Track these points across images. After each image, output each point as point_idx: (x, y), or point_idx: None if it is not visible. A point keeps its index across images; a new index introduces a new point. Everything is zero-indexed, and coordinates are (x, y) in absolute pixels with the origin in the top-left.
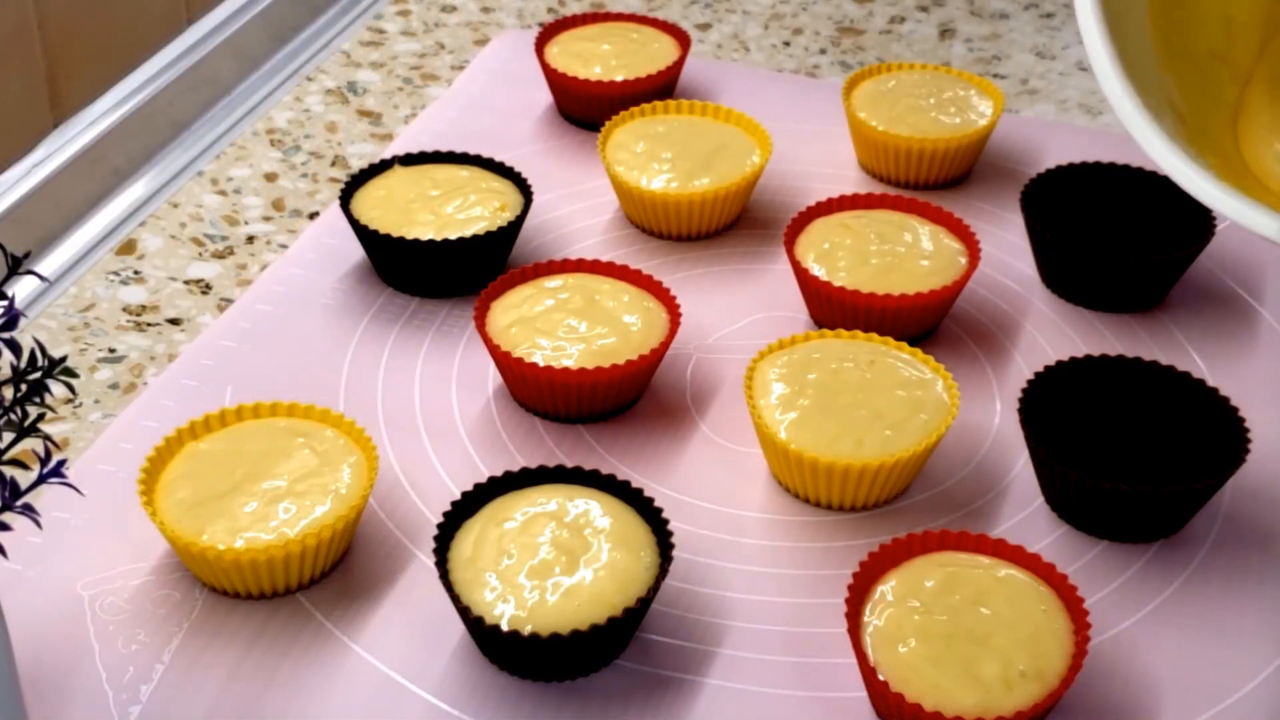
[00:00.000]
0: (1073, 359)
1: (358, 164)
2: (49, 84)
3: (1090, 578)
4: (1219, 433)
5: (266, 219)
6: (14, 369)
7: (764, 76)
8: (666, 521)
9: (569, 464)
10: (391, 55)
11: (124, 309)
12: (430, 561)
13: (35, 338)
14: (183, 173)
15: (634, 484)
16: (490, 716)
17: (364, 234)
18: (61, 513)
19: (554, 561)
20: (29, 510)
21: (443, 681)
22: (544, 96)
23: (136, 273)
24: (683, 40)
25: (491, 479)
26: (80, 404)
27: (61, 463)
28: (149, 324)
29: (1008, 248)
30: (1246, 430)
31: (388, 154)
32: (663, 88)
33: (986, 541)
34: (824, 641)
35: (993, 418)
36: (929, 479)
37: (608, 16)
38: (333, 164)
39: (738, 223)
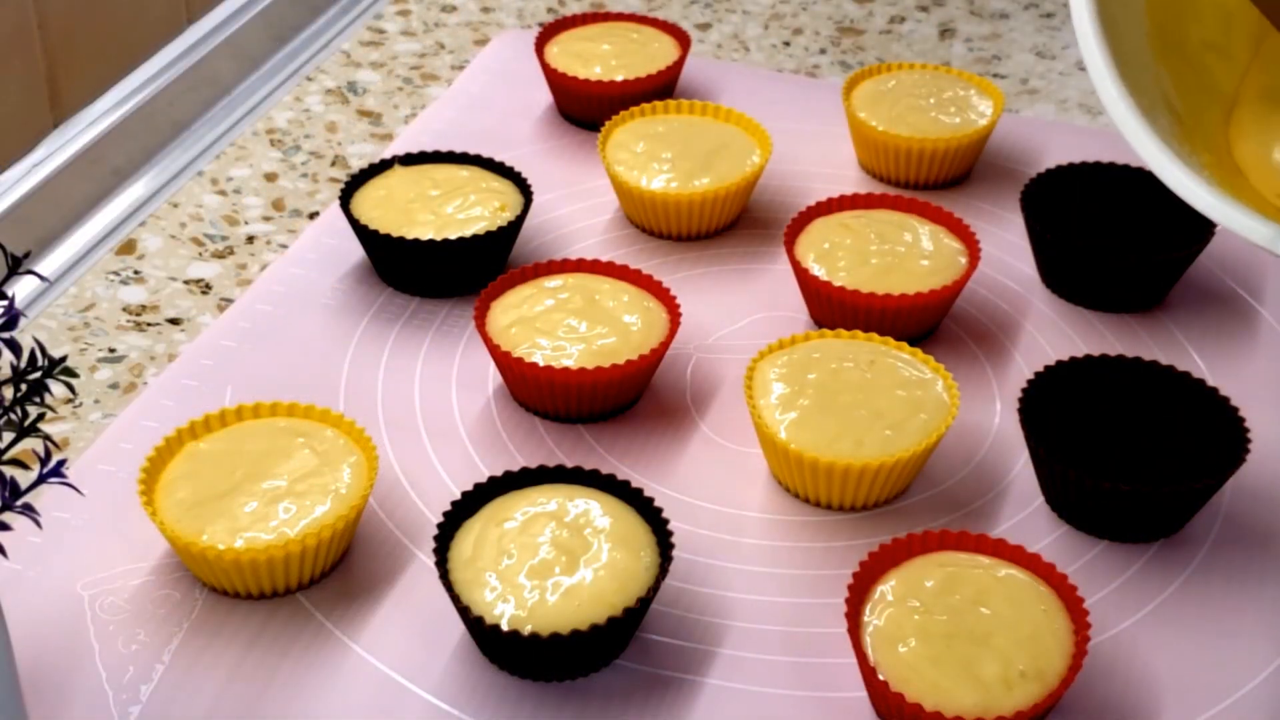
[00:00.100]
0: (1073, 359)
1: (358, 164)
2: (49, 84)
3: (1090, 578)
4: (1219, 433)
5: (266, 219)
6: (14, 369)
7: (764, 76)
8: (666, 521)
9: (569, 464)
10: (391, 55)
11: (124, 309)
12: (430, 561)
13: (35, 338)
14: (183, 173)
15: (634, 484)
16: (490, 716)
17: (364, 234)
18: (61, 513)
19: (554, 561)
20: (29, 510)
21: (443, 681)
22: (544, 96)
23: (136, 273)
24: (683, 40)
25: (491, 479)
26: (80, 404)
27: (61, 463)
28: (149, 324)
29: (1008, 248)
30: (1246, 430)
31: (388, 154)
32: (663, 88)
33: (986, 541)
34: (824, 641)
35: (993, 418)
36: (929, 479)
37: (608, 16)
38: (333, 164)
39: (738, 223)
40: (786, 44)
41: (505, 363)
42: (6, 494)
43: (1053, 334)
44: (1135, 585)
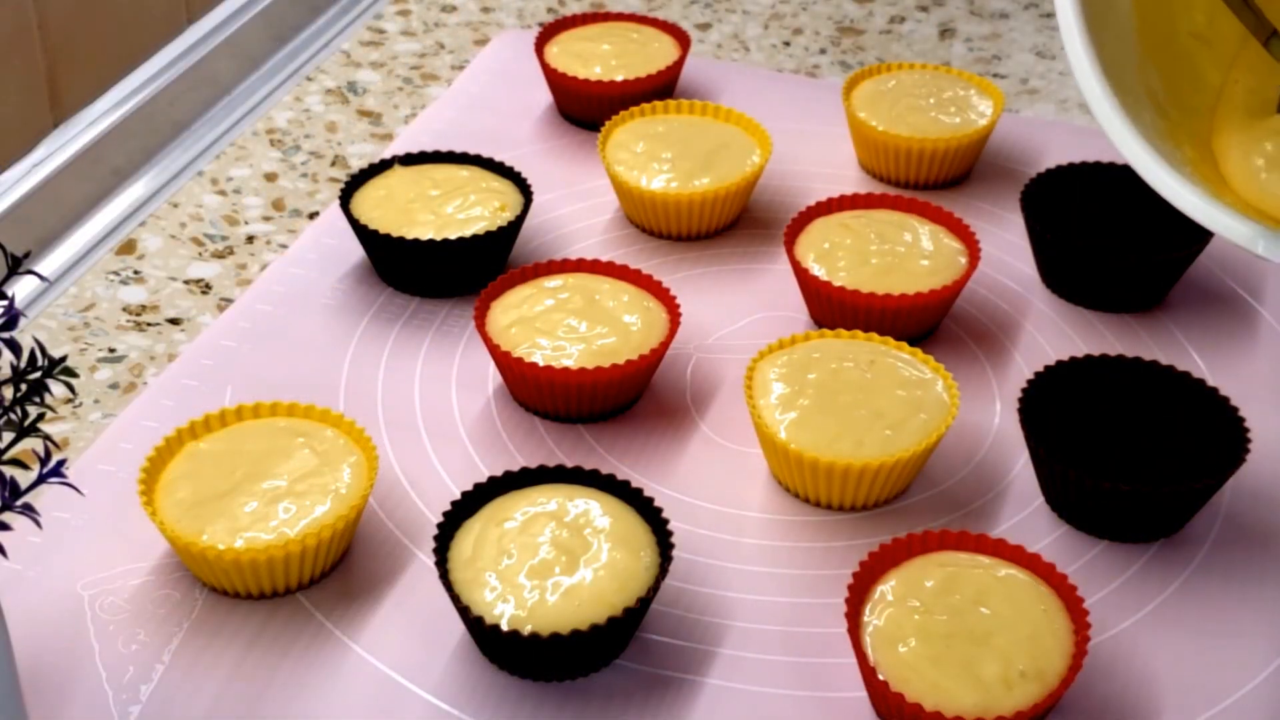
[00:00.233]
0: (1073, 359)
1: (358, 164)
2: (49, 84)
3: (1090, 578)
4: (1219, 433)
5: (266, 219)
6: (14, 369)
7: (764, 76)
8: (666, 521)
9: (569, 464)
10: (391, 55)
11: (124, 309)
12: (430, 561)
13: (35, 338)
14: (183, 173)
15: (634, 484)
16: (490, 716)
17: (364, 234)
18: (61, 513)
19: (554, 561)
20: (29, 510)
21: (443, 681)
22: (544, 96)
23: (136, 273)
24: (683, 40)
25: (491, 479)
26: (80, 404)
27: (61, 463)
28: (149, 324)
29: (1008, 248)
30: (1246, 430)
31: (388, 154)
32: (663, 88)
33: (986, 541)
34: (824, 641)
35: (993, 418)
36: (929, 479)
37: (608, 16)
38: (333, 164)
39: (738, 223)
40: (786, 44)
41: (505, 363)
42: (6, 494)
43: (1053, 334)
44: (1135, 585)
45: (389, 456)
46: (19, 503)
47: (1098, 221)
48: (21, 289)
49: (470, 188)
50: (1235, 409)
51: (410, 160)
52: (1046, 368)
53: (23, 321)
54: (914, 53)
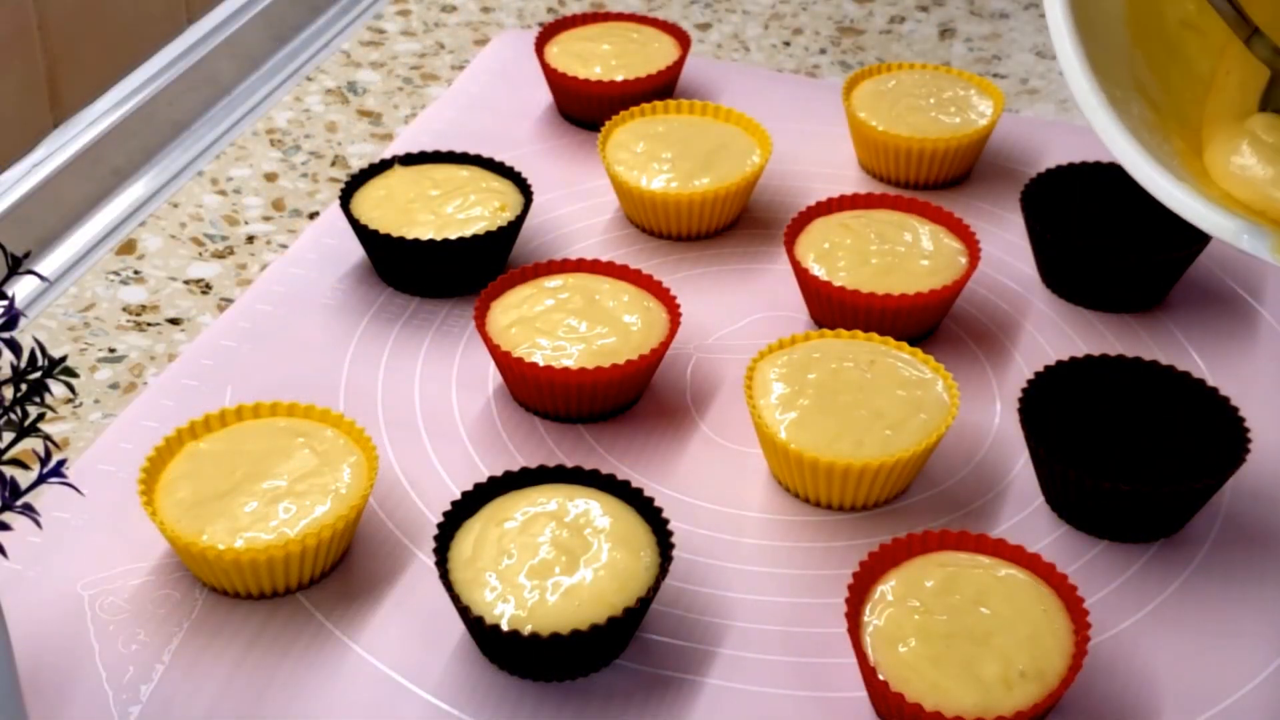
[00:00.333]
0: (1073, 359)
1: (358, 164)
2: (49, 84)
3: (1090, 578)
4: (1219, 433)
5: (266, 219)
6: (14, 369)
7: (764, 76)
8: (666, 521)
9: (569, 464)
10: (391, 55)
11: (124, 309)
12: (430, 561)
13: (35, 338)
14: (183, 173)
15: (634, 484)
16: (490, 716)
17: (364, 234)
18: (61, 513)
19: (554, 561)
20: (29, 510)
21: (443, 681)
22: (544, 96)
23: (136, 273)
24: (683, 40)
25: (491, 479)
26: (80, 404)
27: (61, 463)
28: (149, 324)
29: (1008, 248)
30: (1246, 430)
31: (388, 154)
32: (663, 88)
33: (986, 541)
34: (824, 641)
35: (993, 418)
36: (929, 479)
37: (608, 16)
38: (333, 164)
39: (738, 223)
40: (786, 44)
41: (505, 363)
42: (6, 494)
43: (1053, 334)
44: (1135, 585)
45: (389, 456)
46: (19, 503)
47: (1098, 221)
48: (21, 289)
49: (470, 188)
50: (1235, 409)
51: (410, 160)
52: (1046, 368)
53: (23, 321)
54: (914, 53)
